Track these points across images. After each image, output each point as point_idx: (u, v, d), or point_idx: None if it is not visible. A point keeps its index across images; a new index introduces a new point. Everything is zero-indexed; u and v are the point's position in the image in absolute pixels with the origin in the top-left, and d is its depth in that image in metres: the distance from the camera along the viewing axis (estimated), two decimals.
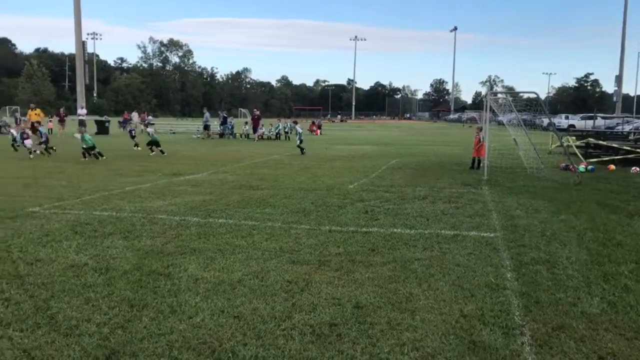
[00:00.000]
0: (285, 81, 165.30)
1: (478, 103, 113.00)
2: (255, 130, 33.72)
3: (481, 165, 15.59)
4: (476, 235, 7.47)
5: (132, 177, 13.62)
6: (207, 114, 36.06)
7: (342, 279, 5.49)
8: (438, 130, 57.39)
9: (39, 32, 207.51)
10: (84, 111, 38.03)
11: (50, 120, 39.37)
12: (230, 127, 36.00)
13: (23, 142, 19.50)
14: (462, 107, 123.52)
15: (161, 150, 20.34)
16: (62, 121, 37.42)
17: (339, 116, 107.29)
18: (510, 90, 68.15)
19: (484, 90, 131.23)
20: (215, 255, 6.32)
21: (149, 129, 21.60)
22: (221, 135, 35.09)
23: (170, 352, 3.84)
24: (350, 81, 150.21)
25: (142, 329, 4.20)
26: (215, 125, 37.19)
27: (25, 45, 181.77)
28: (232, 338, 4.08)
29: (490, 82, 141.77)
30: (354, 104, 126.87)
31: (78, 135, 18.78)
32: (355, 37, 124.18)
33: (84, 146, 18.33)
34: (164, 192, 11.12)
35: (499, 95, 22.20)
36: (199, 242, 6.91)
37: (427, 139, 37.29)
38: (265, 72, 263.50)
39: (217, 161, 18.25)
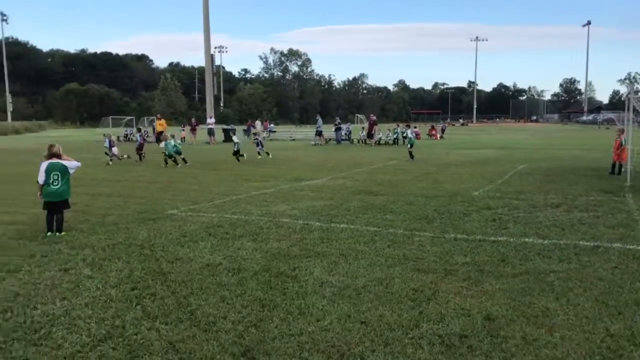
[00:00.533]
0: (402, 85, 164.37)
1: (616, 103, 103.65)
2: (370, 135, 33.81)
3: (622, 170, 14.26)
4: (621, 248, 6.81)
5: (257, 182, 14.26)
6: (319, 121, 36.83)
7: (471, 290, 5.28)
8: (569, 133, 53.52)
9: (172, 48, 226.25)
10: (213, 120, 40.64)
11: (183, 130, 42.58)
12: (347, 133, 36.47)
13: (111, 149, 21.00)
14: (597, 107, 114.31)
15: (241, 155, 21.14)
16: (193, 130, 40.22)
17: (460, 120, 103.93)
18: None
19: (622, 89, 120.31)
20: (339, 259, 6.39)
21: (234, 138, 22.37)
22: (338, 141, 35.61)
23: (301, 353, 3.92)
24: (470, 83, 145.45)
25: (274, 328, 4.34)
26: (331, 131, 37.81)
27: (160, 60, 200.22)
28: (360, 343, 4.08)
29: (630, 80, 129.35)
30: (475, 106, 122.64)
31: (162, 144, 20.09)
32: (476, 37, 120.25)
33: (164, 152, 19.50)
34: (287, 196, 11.49)
35: None
36: (323, 247, 7.03)
37: (558, 142, 34.91)
38: (382, 77, 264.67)
39: (335, 167, 18.53)
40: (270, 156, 22.16)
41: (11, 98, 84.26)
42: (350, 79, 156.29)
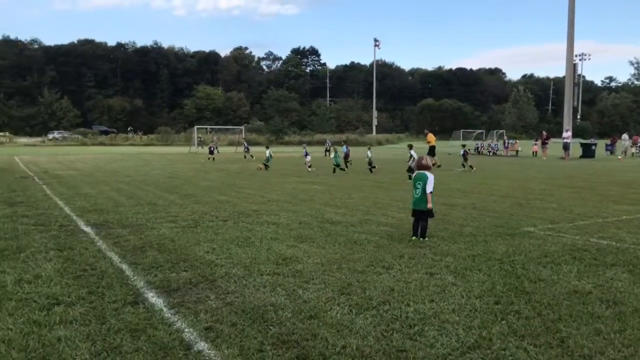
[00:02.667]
0: None
1: None
2: None
3: None
4: None
5: (628, 205, 12.55)
6: None
7: None
8: None
9: (526, 60, 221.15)
10: (569, 134, 37.83)
11: (535, 143, 40.91)
12: None
13: (306, 156, 25.22)
14: None
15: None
16: (544, 144, 38.23)
17: None
18: None
19: None
20: None
21: (412, 152, 19.32)
22: None
23: None
24: None
25: None
26: None
27: (513, 73, 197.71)
28: None
29: None
30: None
31: (341, 148, 21.88)
32: None
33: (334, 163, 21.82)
34: None
35: None
36: None
37: None
38: None
39: None
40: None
41: (376, 113, 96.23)
42: None
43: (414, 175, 8.74)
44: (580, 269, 6.65)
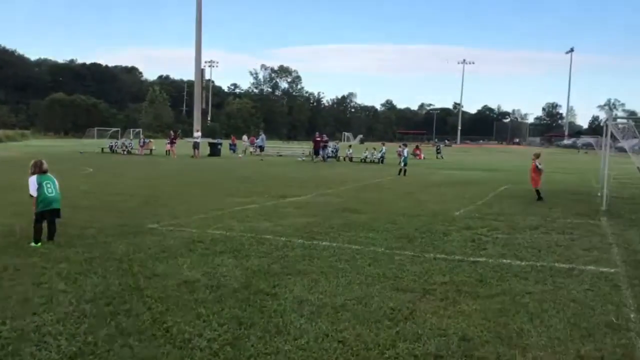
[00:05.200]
0: (389, 105, 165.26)
1: (595, 128, 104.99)
2: (316, 152, 34.61)
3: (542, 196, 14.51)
4: (594, 270, 6.93)
5: (240, 197, 14.21)
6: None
7: (448, 310, 5.31)
8: (550, 157, 54.19)
9: (162, 61, 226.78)
10: (199, 134, 40.54)
11: (168, 143, 42.33)
12: (334, 151, 36.66)
13: None
14: (577, 132, 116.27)
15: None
16: (172, 143, 39.64)
17: (446, 141, 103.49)
18: (632, 115, 63.04)
19: (601, 115, 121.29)
20: (319, 277, 6.39)
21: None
22: (324, 158, 35.76)
23: None
24: (456, 105, 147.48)
25: (250, 347, 4.32)
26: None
27: (150, 73, 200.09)
28: None
29: (610, 106, 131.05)
30: (459, 128, 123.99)
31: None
32: (464, 60, 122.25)
33: None
34: (271, 213, 11.46)
35: (620, 120, 20.69)
36: (304, 264, 7.02)
37: None
38: (370, 97, 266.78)
39: (321, 184, 18.57)
40: None
41: None
42: (339, 97, 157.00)
43: (35, 178, 7.94)
44: (193, 259, 7.20)
